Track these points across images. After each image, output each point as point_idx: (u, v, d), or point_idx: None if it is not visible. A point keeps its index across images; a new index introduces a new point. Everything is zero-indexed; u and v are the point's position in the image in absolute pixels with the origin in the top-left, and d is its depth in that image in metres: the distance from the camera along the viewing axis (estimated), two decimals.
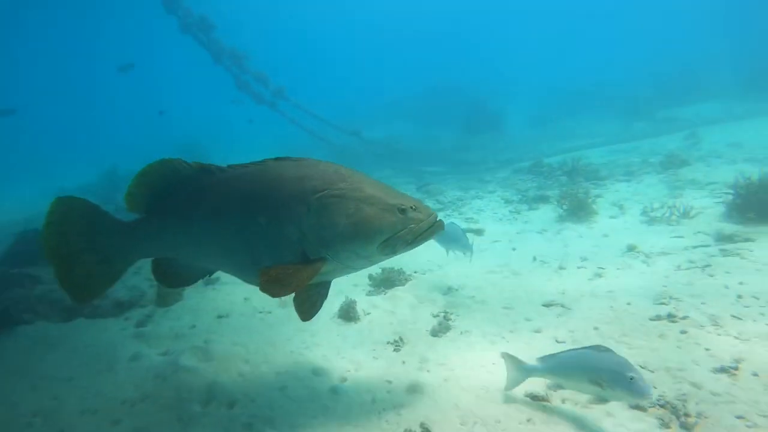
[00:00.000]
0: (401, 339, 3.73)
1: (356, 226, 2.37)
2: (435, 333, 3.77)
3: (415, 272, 5.15)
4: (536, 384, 2.90)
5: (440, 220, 2.50)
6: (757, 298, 3.69)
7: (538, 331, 3.67)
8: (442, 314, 4.06)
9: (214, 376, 3.36)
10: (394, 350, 3.61)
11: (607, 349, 2.52)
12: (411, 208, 2.43)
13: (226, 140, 22.30)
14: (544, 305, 4.07)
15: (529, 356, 3.29)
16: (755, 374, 2.82)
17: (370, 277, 4.84)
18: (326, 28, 56.86)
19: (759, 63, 17.17)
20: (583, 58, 34.78)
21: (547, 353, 2.79)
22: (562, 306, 4.00)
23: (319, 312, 2.77)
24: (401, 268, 4.97)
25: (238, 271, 2.73)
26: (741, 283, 3.96)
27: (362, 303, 4.35)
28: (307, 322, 2.83)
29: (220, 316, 4.41)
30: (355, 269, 2.64)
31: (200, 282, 4.94)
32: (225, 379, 3.32)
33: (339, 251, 2.43)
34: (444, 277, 4.94)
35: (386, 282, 4.76)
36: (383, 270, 4.86)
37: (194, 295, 4.91)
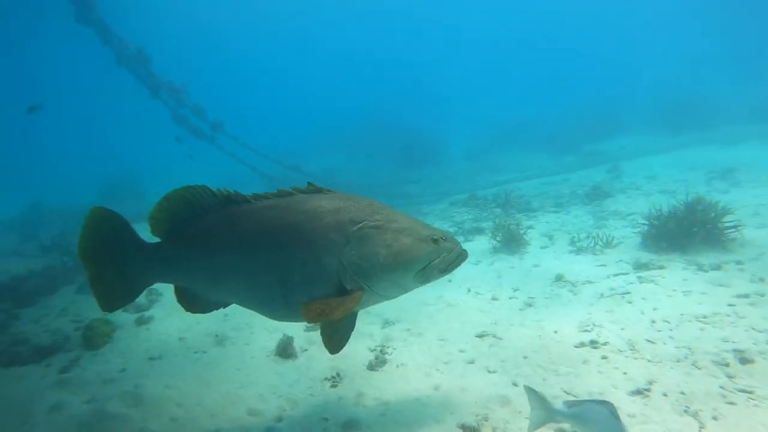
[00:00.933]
0: (338, 375, 3.74)
1: (396, 256, 2.49)
2: (372, 367, 3.81)
3: None
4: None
5: (465, 249, 2.67)
6: (668, 322, 3.99)
7: (471, 362, 3.78)
8: (379, 348, 4.12)
9: (143, 422, 3.24)
10: (332, 386, 3.62)
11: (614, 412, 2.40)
12: (442, 238, 2.59)
13: (165, 175, 21.69)
14: (477, 336, 4.20)
15: (462, 386, 3.41)
16: (665, 394, 3.05)
17: None
18: (264, 59, 57.05)
19: (672, 102, 18.74)
20: (517, 93, 36.63)
21: (573, 398, 2.70)
22: (494, 336, 4.15)
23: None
24: None
25: (263, 306, 2.66)
26: (654, 309, 4.27)
27: (300, 339, 4.33)
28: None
29: (152, 358, 4.25)
30: (388, 298, 2.68)
31: (132, 322, 4.79)
32: (155, 425, 3.21)
33: (377, 281, 2.50)
34: (380, 311, 4.99)
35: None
36: None
37: (125, 336, 4.72)
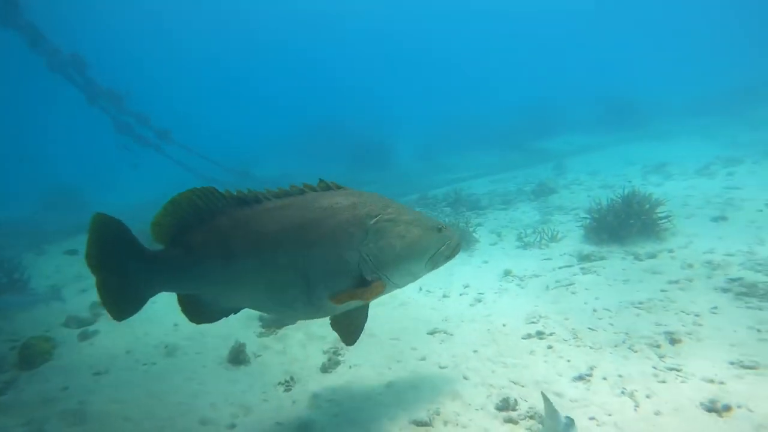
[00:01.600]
0: (292, 378, 3.74)
1: (410, 246, 2.66)
2: (325, 369, 3.83)
3: None
4: None
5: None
6: (608, 310, 4.20)
7: (423, 359, 3.86)
8: (332, 350, 4.13)
9: None
10: (285, 390, 3.61)
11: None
12: (444, 228, 2.81)
13: (109, 185, 20.87)
14: (428, 333, 4.29)
15: (415, 383, 3.48)
16: (604, 378, 3.21)
17: (261, 318, 4.80)
18: (216, 65, 55.84)
19: (613, 100, 19.62)
20: (468, 92, 37.33)
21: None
22: (445, 332, 4.24)
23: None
24: None
25: (283, 306, 2.66)
26: (596, 298, 4.48)
27: (253, 345, 4.30)
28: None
29: (97, 373, 4.11)
30: (400, 287, 2.80)
31: (74, 337, 4.60)
32: None
33: (394, 270, 2.66)
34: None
35: (276, 321, 4.74)
36: None
37: (66, 353, 4.54)
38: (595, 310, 4.24)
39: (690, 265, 4.87)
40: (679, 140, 13.89)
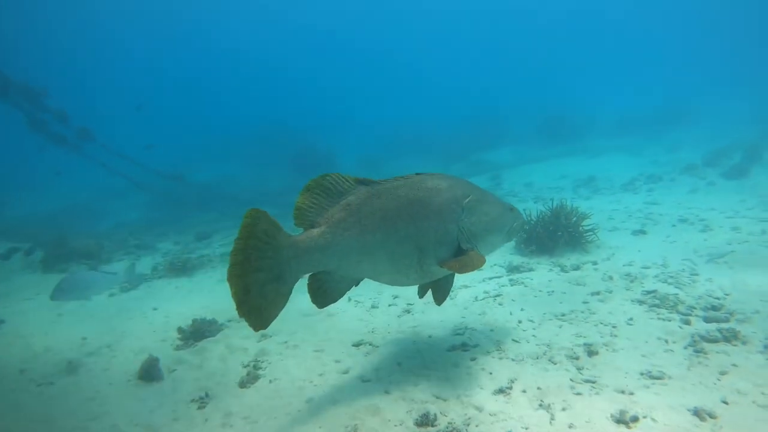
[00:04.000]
0: (207, 395, 3.53)
1: (493, 222, 3.28)
2: (243, 384, 3.64)
3: (229, 321, 4.95)
4: None
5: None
6: (533, 321, 4.24)
7: (345, 372, 3.75)
8: (252, 363, 3.95)
9: None
10: (198, 408, 3.39)
11: None
12: (514, 208, 3.46)
13: (28, 192, 19.48)
14: (354, 345, 4.18)
15: (335, 398, 3.36)
16: (524, 391, 3.21)
17: (180, 329, 4.53)
18: (151, 61, 53.74)
19: (551, 115, 20.38)
20: (415, 103, 37.73)
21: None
22: (371, 344, 4.15)
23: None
24: (213, 318, 4.75)
25: (399, 273, 3.05)
26: (522, 309, 4.53)
27: (167, 359, 4.04)
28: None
29: None
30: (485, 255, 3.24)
31: None
32: None
33: (482, 242, 3.24)
34: None
35: (196, 334, 4.49)
36: (194, 321, 4.59)
37: None
38: (520, 322, 4.27)
39: (610, 278, 5.03)
40: (608, 156, 14.56)
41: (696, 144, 14.86)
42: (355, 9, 56.09)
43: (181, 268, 7.18)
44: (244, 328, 4.75)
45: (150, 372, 3.83)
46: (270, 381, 3.67)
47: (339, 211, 2.90)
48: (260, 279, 2.68)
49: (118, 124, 29.48)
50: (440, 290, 3.39)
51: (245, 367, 3.92)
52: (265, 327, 2.74)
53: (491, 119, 22.79)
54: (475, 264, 2.99)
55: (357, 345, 4.18)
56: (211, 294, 6.04)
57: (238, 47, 54.30)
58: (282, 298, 2.81)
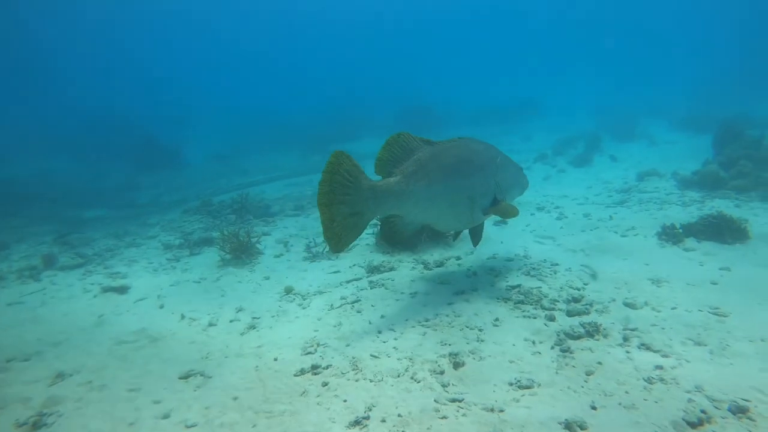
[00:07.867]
0: None
1: (515, 178, 4.22)
2: None
3: (8, 361, 3.77)
4: None
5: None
6: (393, 330, 3.74)
7: (166, 417, 2.91)
8: (33, 420, 2.92)
9: None
10: None
11: None
12: (521, 168, 4.39)
13: None
14: (181, 378, 3.34)
15: None
16: (383, 420, 2.67)
17: None
18: None
19: (414, 105, 20.69)
20: (274, 93, 36.32)
21: None
22: (203, 375, 3.35)
23: None
24: None
25: (455, 218, 3.79)
26: (382, 317, 4.02)
27: None
28: None
29: None
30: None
31: None
32: None
33: (508, 194, 4.10)
34: (56, 359, 3.74)
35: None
36: None
37: None
38: (379, 332, 3.75)
39: (474, 273, 4.74)
40: None
41: (546, 134, 16.01)
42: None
43: None
44: (31, 369, 3.63)
45: None
46: None
47: (411, 165, 3.47)
48: (343, 211, 3.24)
49: None
50: (477, 234, 4.20)
51: (19, 427, 2.88)
52: (342, 251, 3.40)
53: (355, 110, 22.56)
54: (512, 212, 3.86)
55: (185, 377, 3.34)
56: None
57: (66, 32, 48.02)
58: (359, 230, 3.35)
